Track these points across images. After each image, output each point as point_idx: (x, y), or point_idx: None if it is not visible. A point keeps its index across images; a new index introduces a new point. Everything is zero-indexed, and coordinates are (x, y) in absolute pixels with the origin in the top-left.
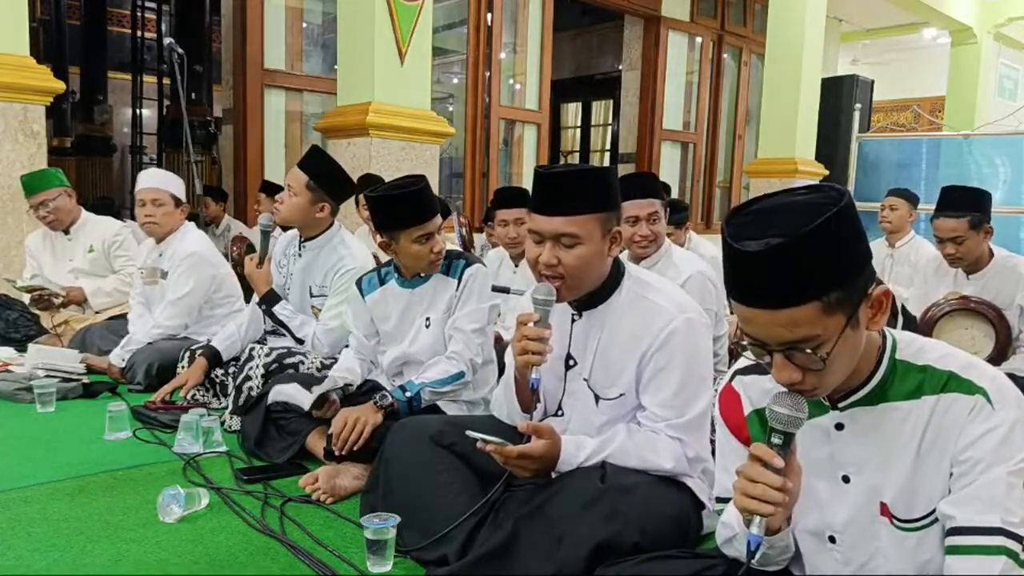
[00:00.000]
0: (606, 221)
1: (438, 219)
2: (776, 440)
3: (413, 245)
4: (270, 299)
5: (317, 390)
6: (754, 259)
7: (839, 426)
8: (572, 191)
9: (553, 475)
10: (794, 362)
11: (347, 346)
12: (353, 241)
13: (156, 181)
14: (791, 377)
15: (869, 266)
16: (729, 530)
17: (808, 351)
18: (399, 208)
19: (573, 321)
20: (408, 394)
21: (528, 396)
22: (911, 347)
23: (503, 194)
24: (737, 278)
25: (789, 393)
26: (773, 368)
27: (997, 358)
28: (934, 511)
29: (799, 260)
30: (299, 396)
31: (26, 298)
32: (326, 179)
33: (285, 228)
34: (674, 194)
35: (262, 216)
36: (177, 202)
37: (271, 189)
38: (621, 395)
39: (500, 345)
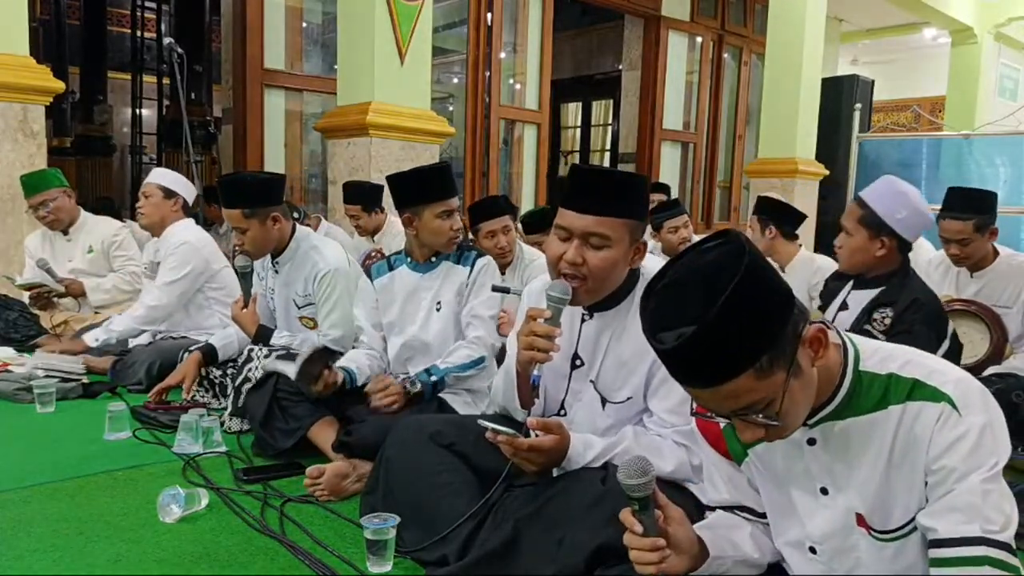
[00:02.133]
0: (635, 229)
1: (457, 200)
2: (634, 506)
3: (436, 220)
4: (263, 336)
5: (300, 357)
6: (672, 353)
7: (811, 441)
8: (610, 192)
9: (556, 473)
10: (752, 421)
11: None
12: (323, 242)
13: (151, 177)
14: (755, 435)
15: (792, 313)
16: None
17: (758, 416)
18: (425, 182)
19: (583, 321)
20: (433, 378)
21: (528, 392)
22: (874, 357)
23: (484, 205)
24: (667, 364)
25: (636, 459)
26: (736, 429)
27: (993, 358)
28: (911, 521)
29: (716, 344)
30: (285, 367)
31: (25, 297)
32: (252, 197)
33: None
34: (674, 194)
35: (238, 259)
36: (168, 194)
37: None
38: (628, 399)
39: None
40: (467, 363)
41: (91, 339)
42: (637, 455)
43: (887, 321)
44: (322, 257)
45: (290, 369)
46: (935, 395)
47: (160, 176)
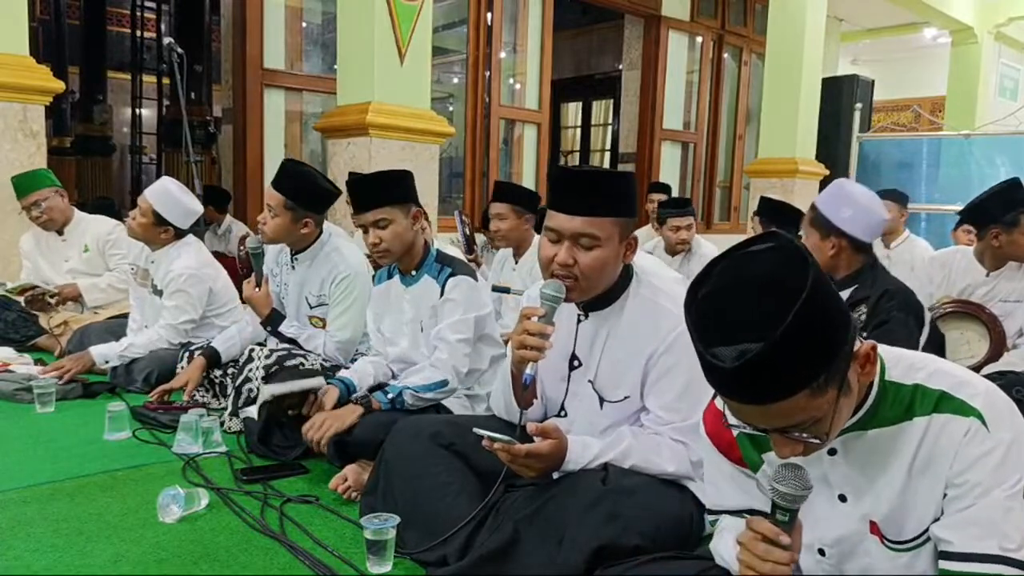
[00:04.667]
0: (625, 227)
1: (377, 214)
2: (782, 517)
3: (363, 233)
4: (274, 320)
5: (267, 390)
6: (732, 372)
7: (832, 451)
8: (596, 192)
9: (556, 476)
10: (794, 438)
11: (361, 353)
12: (345, 245)
13: (153, 193)
14: (794, 451)
15: (851, 328)
16: (724, 544)
17: (802, 434)
18: (351, 193)
19: (579, 322)
20: (390, 396)
21: (522, 393)
22: (899, 366)
23: (498, 188)
24: (716, 381)
25: (792, 467)
26: (773, 444)
27: (993, 358)
28: (925, 532)
29: (781, 362)
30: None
31: (21, 300)
32: (303, 196)
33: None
34: (674, 194)
35: (250, 239)
36: (159, 221)
37: None
38: (626, 398)
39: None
40: (427, 384)
41: (100, 359)
42: (793, 464)
43: (863, 318)
44: (343, 259)
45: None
46: (963, 409)
47: (159, 198)
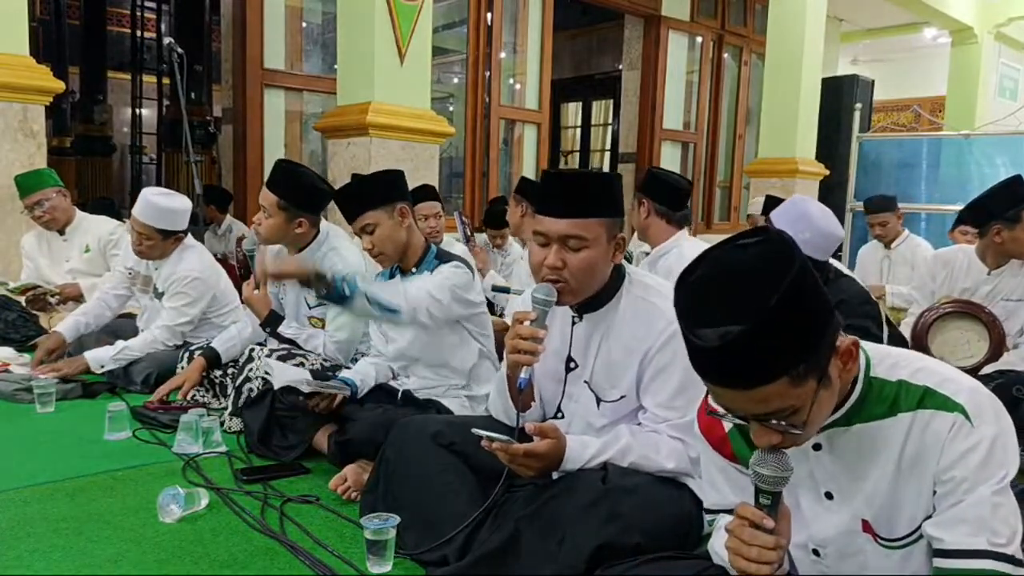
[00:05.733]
0: (612, 226)
1: (362, 220)
2: (764, 500)
3: (359, 238)
4: (272, 321)
5: (308, 384)
6: (714, 352)
7: (816, 446)
8: (581, 194)
9: (555, 475)
10: (772, 427)
11: (362, 354)
12: (344, 245)
13: (146, 213)
14: (771, 440)
15: (833, 322)
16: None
17: (782, 422)
18: (337, 204)
19: (574, 324)
20: (347, 290)
21: (517, 396)
22: (884, 362)
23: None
24: (698, 362)
25: (772, 451)
26: (752, 433)
27: (993, 358)
28: (918, 529)
29: (762, 346)
30: (298, 381)
31: (22, 299)
32: (296, 196)
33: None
34: None
35: (247, 240)
36: (165, 235)
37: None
38: (622, 397)
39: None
40: (383, 303)
41: (96, 364)
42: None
43: None
44: (341, 259)
45: (287, 374)
46: (947, 404)
47: (153, 215)
